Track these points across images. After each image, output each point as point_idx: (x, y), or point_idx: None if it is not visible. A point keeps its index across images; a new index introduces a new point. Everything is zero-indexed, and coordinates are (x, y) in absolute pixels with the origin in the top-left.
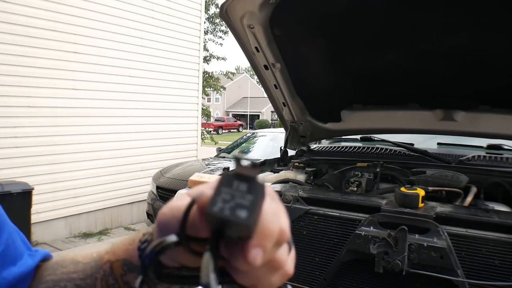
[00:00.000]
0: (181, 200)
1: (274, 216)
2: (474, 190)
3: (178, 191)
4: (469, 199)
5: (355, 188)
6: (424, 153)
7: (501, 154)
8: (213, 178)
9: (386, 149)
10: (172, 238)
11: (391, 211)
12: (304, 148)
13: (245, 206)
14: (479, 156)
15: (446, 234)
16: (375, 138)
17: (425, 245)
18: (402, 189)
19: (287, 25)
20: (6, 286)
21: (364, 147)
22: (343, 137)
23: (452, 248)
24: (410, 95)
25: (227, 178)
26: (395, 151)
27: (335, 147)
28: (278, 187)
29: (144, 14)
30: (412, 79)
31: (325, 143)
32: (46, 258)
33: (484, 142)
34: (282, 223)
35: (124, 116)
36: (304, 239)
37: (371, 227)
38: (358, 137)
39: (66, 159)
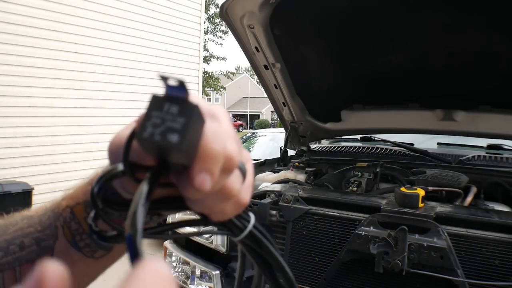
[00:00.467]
0: (128, 127)
1: (216, 137)
2: (474, 190)
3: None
4: (469, 199)
5: (355, 188)
6: (424, 153)
7: (501, 154)
8: None
9: (386, 149)
10: (119, 166)
11: (391, 211)
12: (304, 148)
13: (176, 130)
14: (479, 156)
15: (446, 234)
16: (375, 138)
17: (425, 245)
18: (402, 189)
19: (287, 25)
20: None
21: (364, 147)
22: (343, 137)
23: (452, 248)
24: (410, 95)
25: (157, 100)
26: (395, 151)
27: (335, 147)
28: (278, 187)
29: (144, 14)
30: (412, 79)
31: (325, 143)
32: None
33: (484, 142)
34: (228, 147)
35: (124, 116)
36: (304, 239)
37: (371, 227)
38: (358, 137)
39: (66, 159)
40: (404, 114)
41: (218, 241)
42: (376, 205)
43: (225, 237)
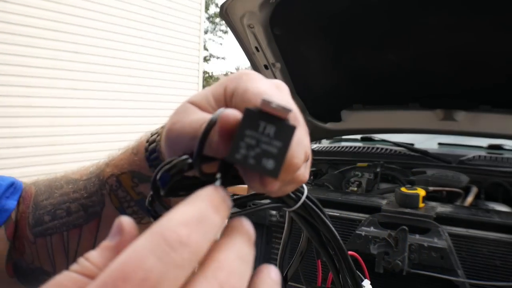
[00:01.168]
0: (192, 114)
1: (300, 146)
2: (474, 190)
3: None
4: (469, 199)
5: (355, 188)
6: (424, 153)
7: (502, 154)
8: None
9: (387, 149)
10: (186, 160)
11: (391, 211)
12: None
13: (272, 155)
14: (480, 156)
15: (446, 234)
16: (375, 138)
17: (426, 245)
18: (403, 189)
19: (287, 25)
20: None
21: (364, 147)
22: (343, 137)
23: (452, 248)
24: (411, 94)
25: (252, 117)
26: (396, 151)
27: (335, 147)
28: None
29: (144, 14)
30: (412, 78)
31: (325, 143)
32: (13, 184)
33: (485, 142)
34: (306, 148)
35: (124, 116)
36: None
37: (372, 227)
38: (358, 137)
39: (66, 160)
40: (404, 114)
41: None
42: (377, 205)
43: None
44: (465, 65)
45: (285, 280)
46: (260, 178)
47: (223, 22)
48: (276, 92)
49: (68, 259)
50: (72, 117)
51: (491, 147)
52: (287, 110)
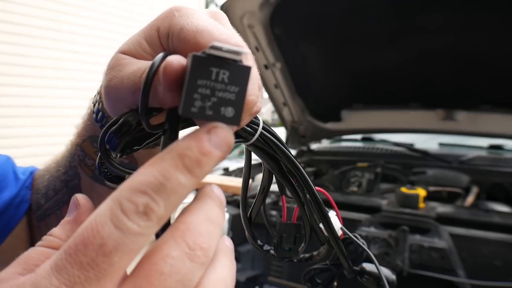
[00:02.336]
0: (127, 66)
1: (255, 82)
2: (475, 190)
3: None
4: (470, 199)
5: (356, 188)
6: (425, 153)
7: (503, 155)
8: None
9: (387, 149)
10: (133, 116)
11: (391, 211)
12: (304, 148)
13: (230, 102)
14: (480, 156)
15: (447, 234)
16: (376, 138)
17: (426, 245)
18: (403, 189)
19: (287, 25)
20: (2, 208)
21: (364, 147)
22: (343, 137)
23: (453, 248)
24: (411, 94)
25: (201, 65)
26: (396, 151)
27: (335, 147)
28: None
29: (144, 14)
30: (413, 78)
31: (325, 143)
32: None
33: (485, 142)
34: (258, 79)
35: None
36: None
37: (372, 228)
38: (358, 137)
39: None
40: (405, 114)
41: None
42: (377, 205)
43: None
44: (466, 65)
45: (249, 221)
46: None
47: None
48: (215, 26)
49: None
50: (72, 117)
51: (492, 147)
52: (239, 53)
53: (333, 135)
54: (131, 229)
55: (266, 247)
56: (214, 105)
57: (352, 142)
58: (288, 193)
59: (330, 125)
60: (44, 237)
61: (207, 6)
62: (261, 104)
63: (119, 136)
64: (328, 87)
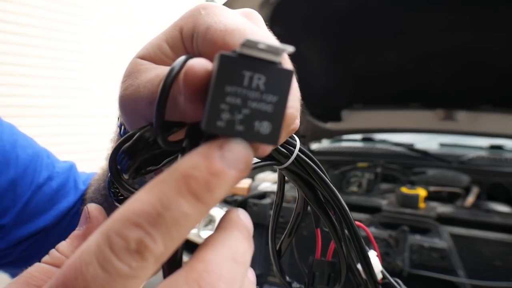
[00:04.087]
0: (145, 72)
1: (296, 93)
2: (475, 190)
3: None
4: (470, 199)
5: (356, 188)
6: (425, 153)
7: (503, 155)
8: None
9: (387, 149)
10: (149, 132)
11: (392, 211)
12: (304, 148)
13: (266, 114)
14: (481, 156)
15: (447, 234)
16: (376, 138)
17: (426, 245)
18: (403, 189)
19: (287, 25)
20: (59, 218)
21: (364, 147)
22: (343, 137)
23: (453, 248)
24: (411, 94)
25: (231, 67)
26: (396, 151)
27: (335, 147)
28: None
29: (143, 13)
30: (413, 78)
31: (325, 143)
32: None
33: (485, 142)
34: (298, 90)
35: None
36: (305, 240)
37: (372, 228)
38: (358, 137)
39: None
40: (405, 114)
41: None
42: (377, 205)
43: None
44: (466, 64)
45: (278, 254)
46: (252, 144)
47: None
48: (248, 25)
49: None
50: (74, 117)
51: (492, 147)
52: (280, 51)
53: (333, 135)
54: (120, 270)
55: (296, 284)
56: (246, 119)
57: (352, 142)
58: (324, 225)
59: (330, 125)
60: (51, 252)
61: None
62: (299, 120)
63: (133, 156)
64: (328, 87)
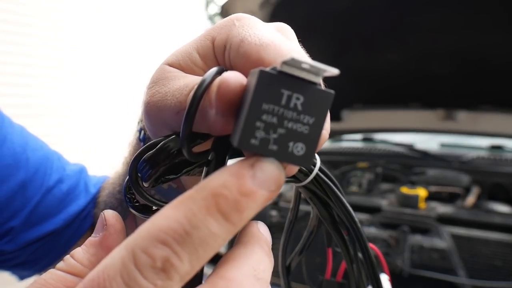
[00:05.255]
0: (173, 80)
1: (327, 123)
2: (476, 190)
3: (160, 66)
4: (471, 199)
5: (356, 188)
6: (425, 153)
7: (504, 155)
8: None
9: (387, 149)
10: (173, 142)
11: (392, 211)
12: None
13: (301, 136)
14: (481, 156)
15: (447, 235)
16: (376, 139)
17: (426, 246)
18: (403, 189)
19: (287, 24)
20: (68, 221)
21: (365, 147)
22: (343, 137)
23: (454, 249)
24: (411, 94)
25: (270, 84)
26: (396, 151)
27: (335, 147)
28: None
29: (143, 13)
30: (413, 78)
31: (325, 143)
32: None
33: (486, 142)
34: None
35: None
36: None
37: (372, 228)
38: (359, 137)
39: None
40: (405, 114)
41: None
42: (377, 205)
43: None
44: (466, 64)
45: (287, 270)
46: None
47: None
48: (283, 41)
49: None
50: (76, 117)
51: (493, 147)
52: (322, 71)
53: (333, 135)
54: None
55: None
56: (281, 139)
57: (352, 142)
58: (336, 246)
59: (331, 125)
60: (66, 258)
61: (207, 6)
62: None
63: (155, 165)
64: (328, 86)
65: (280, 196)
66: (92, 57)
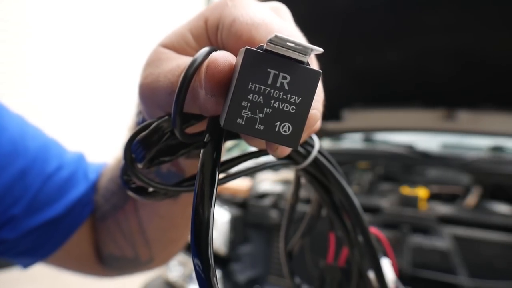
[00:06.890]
0: (167, 61)
1: (320, 94)
2: (477, 191)
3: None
4: (471, 200)
5: (356, 188)
6: (426, 153)
7: (505, 156)
8: None
9: (388, 149)
10: (166, 123)
11: (392, 211)
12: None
13: (288, 116)
14: (482, 157)
15: (448, 235)
16: (376, 139)
17: (427, 246)
18: (404, 189)
19: None
20: (69, 207)
21: (365, 147)
22: (344, 136)
23: (454, 249)
24: (412, 94)
25: (256, 63)
26: (397, 151)
27: (335, 147)
28: (278, 187)
29: (143, 13)
30: (414, 77)
31: (325, 143)
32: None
33: (487, 143)
34: (322, 91)
35: (126, 117)
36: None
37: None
38: (359, 137)
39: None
40: (406, 113)
41: (216, 244)
42: (377, 205)
43: (226, 239)
44: (467, 63)
45: (289, 256)
46: (270, 144)
47: None
48: (276, 20)
49: (126, 239)
50: (78, 117)
51: (493, 148)
52: (309, 50)
53: (334, 134)
54: None
55: (305, 287)
56: (267, 118)
57: (352, 142)
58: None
59: (331, 125)
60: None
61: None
62: (320, 122)
63: (148, 146)
64: (328, 86)
65: (281, 196)
66: (92, 58)
